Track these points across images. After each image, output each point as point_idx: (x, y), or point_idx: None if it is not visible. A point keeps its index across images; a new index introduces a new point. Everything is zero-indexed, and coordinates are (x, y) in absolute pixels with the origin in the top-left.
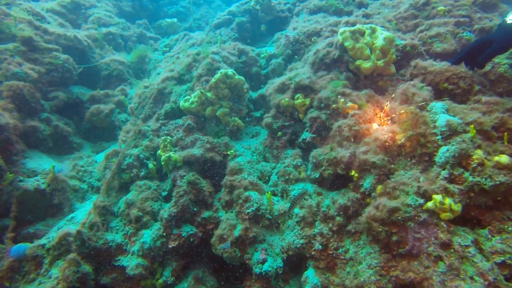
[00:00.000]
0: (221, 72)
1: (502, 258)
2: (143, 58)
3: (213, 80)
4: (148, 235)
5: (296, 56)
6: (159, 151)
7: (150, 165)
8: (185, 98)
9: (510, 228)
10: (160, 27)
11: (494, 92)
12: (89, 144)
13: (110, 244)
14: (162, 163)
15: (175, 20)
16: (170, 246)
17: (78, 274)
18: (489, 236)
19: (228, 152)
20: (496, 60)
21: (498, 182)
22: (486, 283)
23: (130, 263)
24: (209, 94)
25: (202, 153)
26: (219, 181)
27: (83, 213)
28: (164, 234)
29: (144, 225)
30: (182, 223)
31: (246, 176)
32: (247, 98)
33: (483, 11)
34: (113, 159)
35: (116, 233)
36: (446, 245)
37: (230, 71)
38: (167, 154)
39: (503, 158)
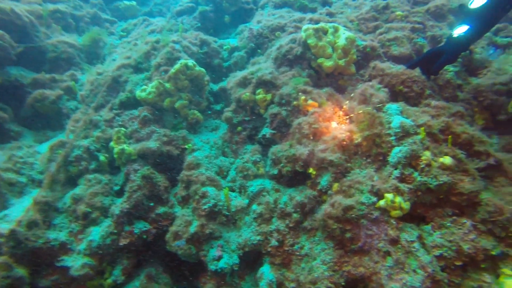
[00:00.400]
0: (181, 63)
1: (440, 251)
2: (97, 42)
3: (172, 70)
4: (97, 233)
5: (259, 50)
6: (111, 143)
7: (102, 158)
8: (142, 88)
9: (448, 224)
10: (117, 9)
11: (442, 97)
12: (31, 133)
13: (52, 244)
14: (115, 155)
15: (134, 3)
16: (122, 244)
17: (9, 279)
18: (431, 231)
19: (186, 146)
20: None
21: (441, 182)
22: (426, 274)
23: (75, 263)
24: (167, 85)
25: (158, 146)
26: (176, 175)
27: (19, 210)
28: (115, 231)
29: (93, 221)
30: (134, 219)
31: (204, 171)
32: (208, 91)
33: (434, 20)
34: (59, 151)
35: (60, 231)
36: (394, 241)
37: (190, 62)
38: (121, 147)
39: (447, 160)
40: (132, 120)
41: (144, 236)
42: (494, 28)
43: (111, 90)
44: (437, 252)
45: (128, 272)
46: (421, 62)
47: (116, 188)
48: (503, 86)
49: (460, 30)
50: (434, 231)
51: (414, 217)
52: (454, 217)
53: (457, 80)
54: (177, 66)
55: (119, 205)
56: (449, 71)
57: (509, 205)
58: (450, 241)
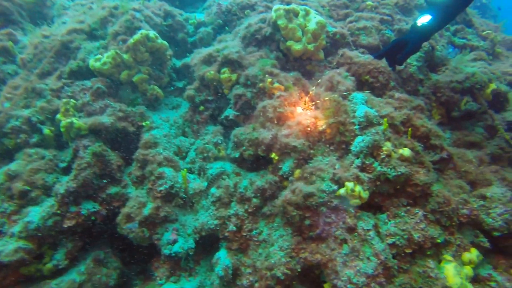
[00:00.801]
0: (141, 33)
1: (393, 240)
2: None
3: (131, 40)
4: (36, 213)
5: (227, 28)
6: (58, 115)
7: (46, 131)
8: (97, 57)
9: (402, 214)
10: None
11: (405, 90)
12: None
13: None
14: (62, 129)
15: None
16: (66, 226)
17: None
18: (386, 220)
19: (143, 123)
20: (409, 60)
21: (399, 173)
22: (378, 261)
23: (6, 248)
24: (125, 56)
25: (112, 122)
26: (132, 154)
27: None
28: (59, 211)
29: (32, 201)
30: (82, 199)
31: (161, 151)
32: (170, 66)
33: (402, 14)
34: None
35: None
36: (351, 229)
37: (152, 33)
38: (69, 120)
39: (406, 151)
40: (83, 91)
41: (93, 218)
42: (453, 29)
43: (59, 56)
44: (390, 240)
45: (73, 256)
46: (387, 53)
47: (63, 165)
48: (459, 84)
49: (423, 19)
50: (389, 220)
51: (372, 206)
52: (408, 207)
53: (419, 74)
54: (137, 36)
55: (64, 184)
56: (413, 65)
57: (456, 196)
58: (402, 230)
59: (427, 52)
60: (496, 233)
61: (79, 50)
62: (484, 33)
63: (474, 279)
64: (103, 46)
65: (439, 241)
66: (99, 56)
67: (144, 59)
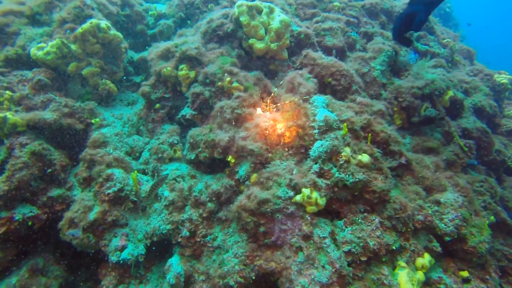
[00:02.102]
0: (91, 22)
1: (349, 247)
2: None
3: (79, 30)
4: None
5: (188, 21)
6: None
7: None
8: (39, 45)
9: (359, 220)
10: None
11: (368, 94)
12: None
13: None
14: None
15: None
16: None
17: None
18: (344, 227)
19: (93, 121)
20: (372, 64)
21: (357, 179)
22: (333, 270)
23: None
24: (73, 47)
25: (56, 118)
26: (79, 153)
27: None
28: None
29: None
30: (17, 203)
31: (111, 151)
32: (126, 60)
33: (368, 17)
34: None
35: None
36: (307, 237)
37: (103, 23)
38: (2, 114)
39: (364, 158)
40: (23, 83)
41: (30, 223)
42: (416, 35)
43: None
44: (346, 247)
45: (3, 266)
46: (401, 27)
47: None
48: (419, 90)
49: None
50: (346, 227)
51: (329, 212)
52: (365, 214)
53: (383, 79)
54: (85, 25)
55: None
56: (376, 69)
57: (412, 202)
58: (358, 238)
59: (391, 57)
60: (447, 238)
61: (18, 36)
62: (444, 41)
63: (426, 283)
64: (47, 33)
65: (394, 247)
66: (43, 44)
67: (95, 51)
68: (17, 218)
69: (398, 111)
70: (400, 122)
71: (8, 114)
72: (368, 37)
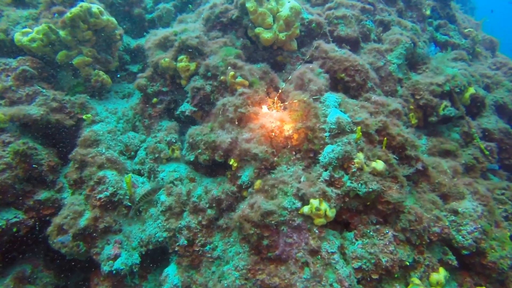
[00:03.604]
0: (81, 6)
1: (359, 264)
2: None
3: (67, 14)
4: None
5: (190, 6)
6: None
7: None
8: (24, 30)
9: (371, 233)
10: None
11: (383, 90)
12: None
13: None
14: None
15: None
16: None
17: None
18: (354, 240)
19: (84, 116)
20: (388, 57)
21: (370, 190)
22: None
23: None
24: (62, 33)
25: (42, 114)
26: (70, 150)
27: None
28: None
29: None
30: (0, 207)
31: (104, 151)
32: (122, 47)
33: (384, 3)
34: None
35: None
36: (314, 252)
37: (95, 7)
38: None
39: (379, 165)
40: (6, 72)
41: (14, 229)
42: (435, 23)
43: None
44: (356, 264)
45: None
46: None
47: None
48: (438, 87)
49: None
50: (356, 240)
51: (338, 222)
52: (378, 226)
53: (399, 73)
54: (75, 9)
55: None
56: (393, 62)
57: (428, 213)
58: (370, 253)
59: (408, 49)
60: (465, 252)
61: (0, 18)
62: (466, 30)
63: None
64: (33, 16)
65: (407, 263)
66: (28, 29)
67: (87, 38)
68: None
69: (414, 110)
70: (415, 121)
71: None
72: (384, 26)
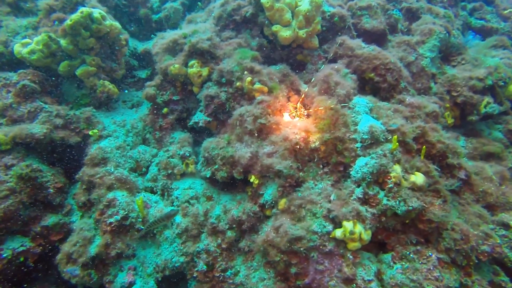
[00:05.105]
0: (82, 12)
1: None
2: None
3: (68, 22)
4: None
5: (199, 3)
6: None
7: None
8: (24, 41)
9: (411, 255)
10: None
11: (414, 88)
12: None
13: None
14: None
15: None
16: None
17: None
18: (391, 263)
19: (90, 132)
20: (421, 50)
21: (411, 208)
22: None
23: None
24: (63, 42)
25: (46, 132)
26: (79, 167)
27: None
28: None
29: None
30: (6, 236)
31: (112, 170)
32: (128, 52)
33: None
34: None
35: None
36: (349, 280)
37: (97, 12)
38: None
39: (419, 178)
40: (6, 88)
41: (21, 259)
42: (470, 7)
43: None
44: None
45: None
46: None
47: None
48: (479, 82)
49: None
50: (395, 263)
51: (373, 242)
52: (418, 247)
53: (432, 68)
54: (75, 16)
55: None
56: (425, 56)
57: (475, 229)
58: (412, 280)
59: (443, 40)
60: None
61: None
62: (506, 12)
63: None
64: (32, 25)
65: None
66: (27, 40)
67: (90, 46)
68: (5, 255)
69: (451, 108)
70: (452, 121)
71: None
72: (412, 14)
